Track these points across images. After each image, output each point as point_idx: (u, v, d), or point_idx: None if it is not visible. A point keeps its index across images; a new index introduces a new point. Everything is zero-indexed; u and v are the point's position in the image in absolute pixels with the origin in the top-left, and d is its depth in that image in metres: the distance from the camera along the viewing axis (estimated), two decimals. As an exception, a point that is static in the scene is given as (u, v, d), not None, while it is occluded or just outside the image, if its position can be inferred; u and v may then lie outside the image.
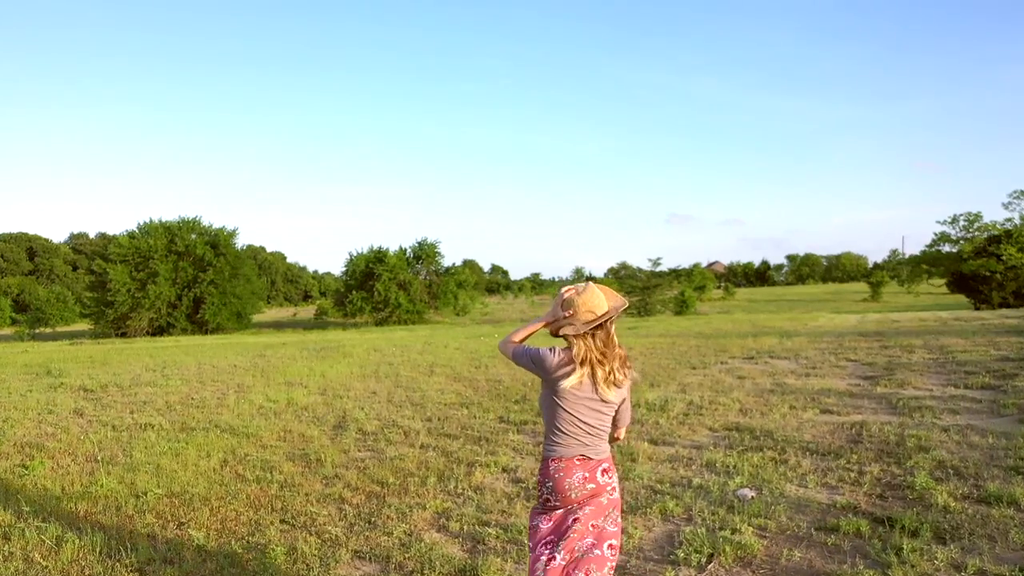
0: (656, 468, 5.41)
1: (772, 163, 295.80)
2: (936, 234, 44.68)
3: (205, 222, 55.50)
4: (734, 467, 5.32)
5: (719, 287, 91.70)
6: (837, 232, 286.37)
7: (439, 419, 7.83)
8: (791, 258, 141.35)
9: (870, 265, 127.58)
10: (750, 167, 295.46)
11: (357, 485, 5.20)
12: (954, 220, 43.74)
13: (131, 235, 54.23)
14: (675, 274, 72.22)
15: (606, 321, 2.44)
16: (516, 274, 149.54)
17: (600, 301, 2.45)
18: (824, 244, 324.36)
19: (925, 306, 52.35)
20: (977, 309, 41.08)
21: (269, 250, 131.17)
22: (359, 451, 6.42)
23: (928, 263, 47.02)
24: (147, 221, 54.64)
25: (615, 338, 2.48)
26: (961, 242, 43.17)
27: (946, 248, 44.93)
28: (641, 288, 56.12)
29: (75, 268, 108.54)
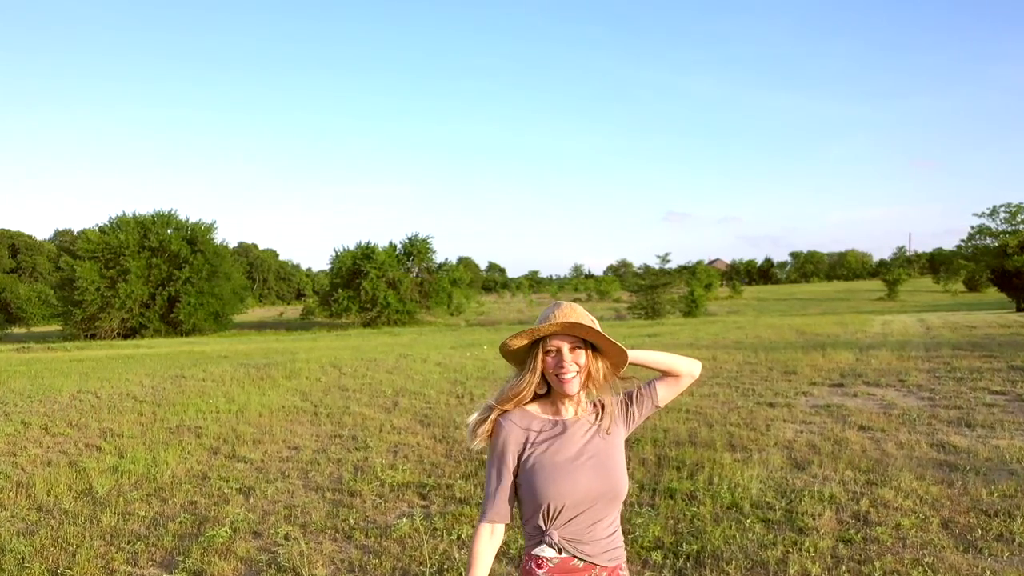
0: None
1: (769, 161, 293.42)
2: (973, 227, 40.81)
3: (181, 216, 51.67)
4: None
5: (723, 285, 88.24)
6: (835, 229, 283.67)
7: (368, 534, 4.16)
8: (795, 255, 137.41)
9: (875, 262, 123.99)
10: (747, 165, 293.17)
11: None
12: (994, 212, 39.85)
13: (101, 230, 50.49)
14: (681, 271, 68.53)
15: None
16: (514, 272, 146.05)
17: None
18: (822, 241, 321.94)
19: (951, 306, 48.57)
20: (1020, 310, 37.45)
21: (261, 248, 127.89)
22: None
23: (966, 258, 43.10)
24: (119, 215, 50.77)
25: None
26: (1003, 235, 39.24)
27: (984, 242, 40.98)
28: (647, 287, 52.42)
29: (59, 266, 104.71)
